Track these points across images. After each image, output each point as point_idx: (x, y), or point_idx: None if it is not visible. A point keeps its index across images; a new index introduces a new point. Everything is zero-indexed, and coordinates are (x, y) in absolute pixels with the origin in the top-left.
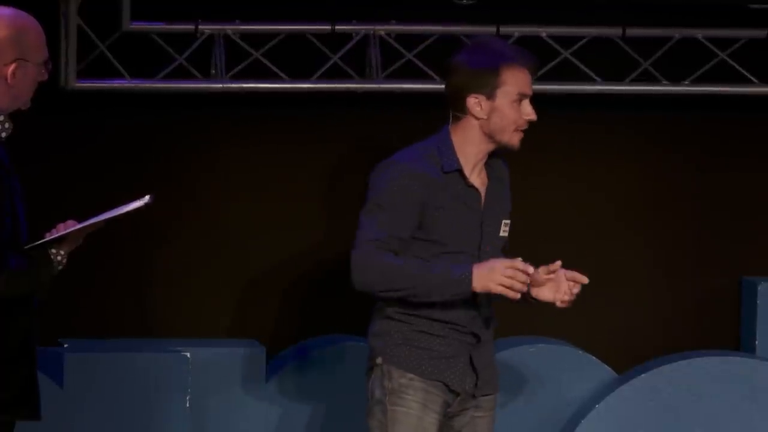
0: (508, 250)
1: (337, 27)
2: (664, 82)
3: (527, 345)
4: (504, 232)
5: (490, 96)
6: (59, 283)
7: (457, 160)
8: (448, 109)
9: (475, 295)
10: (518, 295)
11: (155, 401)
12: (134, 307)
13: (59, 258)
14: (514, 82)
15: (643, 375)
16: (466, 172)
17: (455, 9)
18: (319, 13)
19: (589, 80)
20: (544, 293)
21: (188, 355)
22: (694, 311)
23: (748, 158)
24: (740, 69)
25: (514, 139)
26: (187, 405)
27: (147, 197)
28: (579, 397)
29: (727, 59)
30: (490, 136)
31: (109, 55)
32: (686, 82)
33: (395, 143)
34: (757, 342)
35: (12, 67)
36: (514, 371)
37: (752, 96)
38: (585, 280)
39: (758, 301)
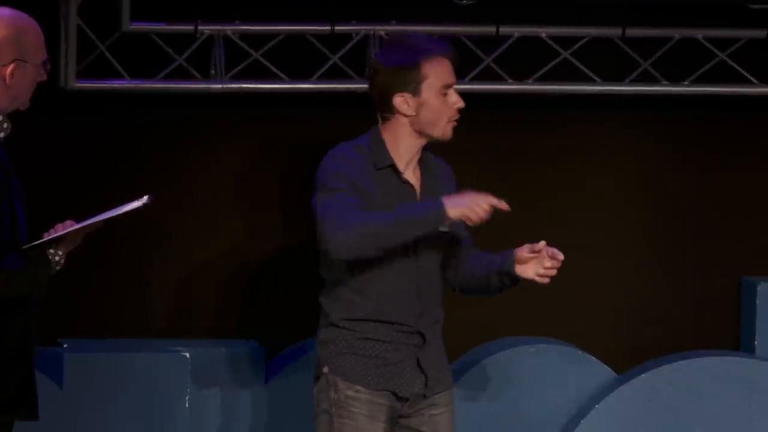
0: (474, 244)
1: (336, 27)
2: (664, 82)
3: (527, 345)
4: (443, 227)
5: (416, 92)
6: (58, 283)
7: (389, 156)
8: (375, 110)
9: (419, 294)
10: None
11: (155, 401)
12: (134, 307)
13: (57, 258)
14: (436, 74)
15: (642, 375)
16: (400, 167)
17: (455, 9)
18: (319, 14)
19: (589, 80)
20: (527, 271)
21: (188, 355)
22: (694, 311)
23: (748, 158)
24: (740, 69)
25: (447, 131)
26: (187, 405)
27: (146, 197)
28: (579, 397)
29: (727, 59)
30: (421, 131)
31: (108, 55)
32: (686, 83)
33: None
34: (756, 342)
35: (10, 67)
36: (514, 371)
37: (752, 96)
38: (561, 256)
39: (758, 301)
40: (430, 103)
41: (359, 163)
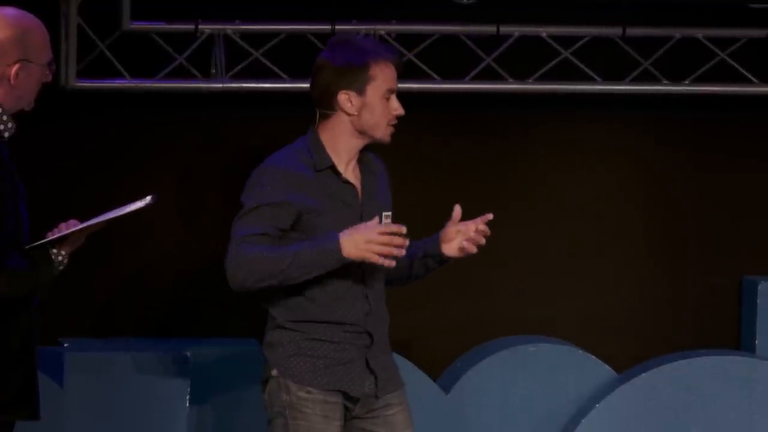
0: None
1: (337, 27)
2: (665, 81)
3: (527, 345)
4: (385, 224)
5: (361, 92)
6: (59, 283)
7: (328, 157)
8: (314, 108)
9: (366, 293)
10: (394, 263)
11: (155, 401)
12: (134, 307)
13: (60, 258)
14: (383, 77)
15: (643, 374)
16: (340, 168)
17: (455, 9)
18: (320, 13)
19: (590, 80)
20: (453, 249)
21: (188, 355)
22: (694, 311)
23: (748, 158)
24: (740, 69)
25: (386, 135)
26: (187, 405)
27: (149, 198)
28: (579, 396)
29: (727, 59)
30: (361, 131)
31: (109, 54)
32: (686, 82)
33: (395, 141)
34: (757, 341)
35: (15, 67)
36: (514, 371)
37: (752, 96)
38: (490, 216)
39: (758, 301)
40: (373, 105)
41: (298, 171)
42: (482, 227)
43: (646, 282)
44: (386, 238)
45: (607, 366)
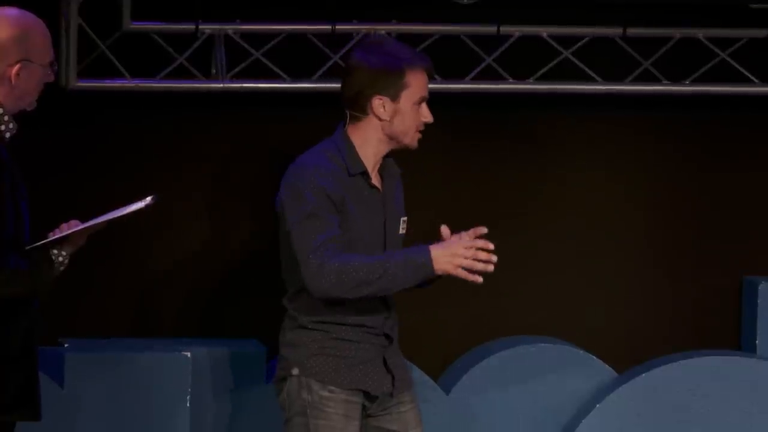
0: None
1: (337, 27)
2: (665, 81)
3: (527, 345)
4: (402, 229)
5: (395, 98)
6: (59, 283)
7: (361, 162)
8: (344, 109)
9: (385, 297)
10: (480, 279)
11: (155, 401)
12: (134, 307)
13: (61, 259)
14: (417, 84)
15: (643, 375)
16: (369, 173)
17: (455, 9)
18: (320, 13)
19: (590, 80)
20: None
21: (188, 355)
22: (694, 311)
23: (748, 158)
24: (741, 69)
25: (414, 141)
26: (187, 405)
27: (149, 198)
28: (580, 396)
29: (728, 59)
30: (391, 137)
31: (109, 54)
32: (687, 82)
33: None
34: (757, 342)
35: (16, 67)
36: (514, 371)
37: (753, 96)
38: (483, 229)
39: (759, 301)
40: (405, 112)
41: (333, 174)
42: (490, 248)
43: (646, 282)
44: (471, 252)
45: (607, 366)
